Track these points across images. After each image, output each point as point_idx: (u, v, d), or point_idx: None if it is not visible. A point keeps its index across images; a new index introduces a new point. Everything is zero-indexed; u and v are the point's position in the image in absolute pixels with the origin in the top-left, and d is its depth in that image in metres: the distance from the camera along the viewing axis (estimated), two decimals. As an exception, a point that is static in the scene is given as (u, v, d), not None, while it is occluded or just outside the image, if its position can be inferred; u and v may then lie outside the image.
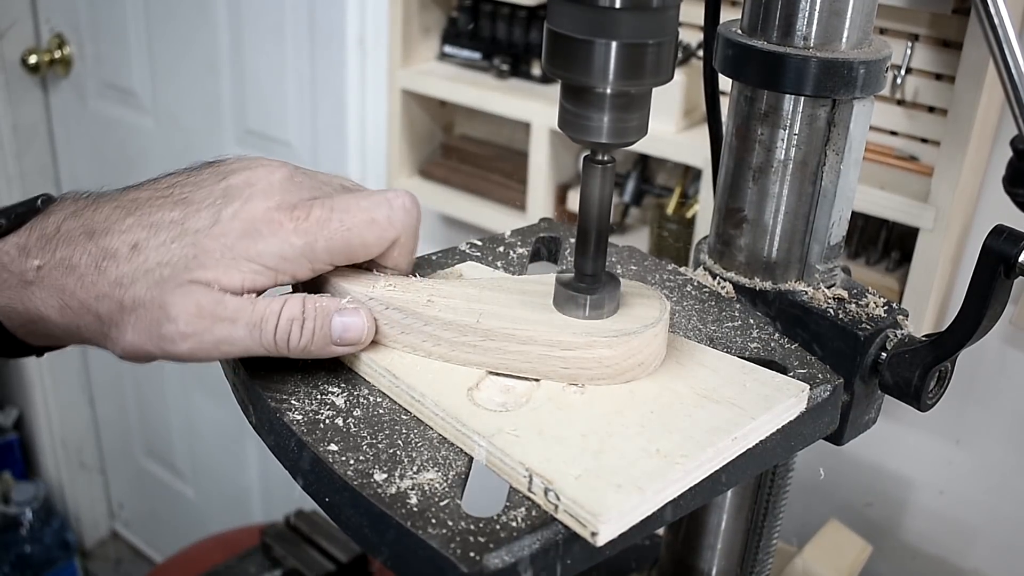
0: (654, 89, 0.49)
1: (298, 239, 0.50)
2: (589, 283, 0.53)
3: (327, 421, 0.50)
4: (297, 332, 0.50)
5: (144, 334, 0.50)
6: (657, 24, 0.46)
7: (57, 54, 2.04)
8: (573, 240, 0.68)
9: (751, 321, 0.62)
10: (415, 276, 0.56)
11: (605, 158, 0.51)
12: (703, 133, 0.76)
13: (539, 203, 1.29)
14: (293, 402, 0.51)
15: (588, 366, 0.51)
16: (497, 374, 0.52)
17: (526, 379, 0.52)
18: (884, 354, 0.59)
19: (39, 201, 0.53)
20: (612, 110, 0.48)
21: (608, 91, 0.47)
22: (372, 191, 0.53)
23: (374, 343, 0.54)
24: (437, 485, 0.45)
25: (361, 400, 0.52)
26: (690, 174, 1.22)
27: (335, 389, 0.52)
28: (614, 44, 0.46)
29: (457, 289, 0.55)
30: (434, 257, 0.65)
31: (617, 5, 0.45)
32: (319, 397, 0.52)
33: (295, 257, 0.50)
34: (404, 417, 0.51)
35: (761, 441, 0.51)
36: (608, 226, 0.53)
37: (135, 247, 0.50)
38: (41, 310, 0.51)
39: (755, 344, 0.60)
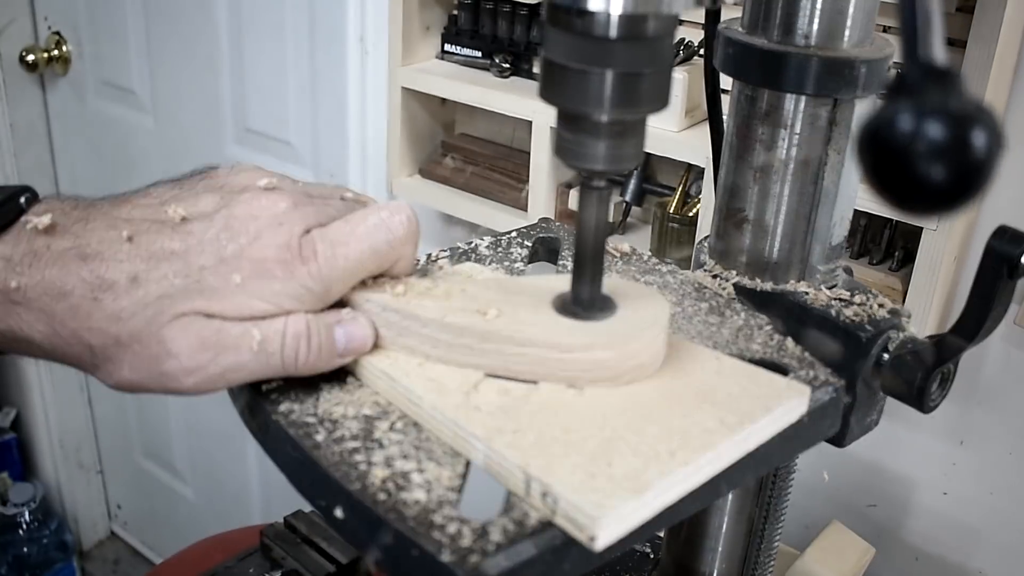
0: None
1: (315, 284, 0.49)
2: (586, 307, 0.53)
3: (323, 423, 0.49)
4: (305, 349, 0.49)
5: (144, 371, 0.48)
6: (652, 53, 0.46)
7: (55, 52, 2.04)
8: (572, 239, 0.67)
9: (752, 322, 0.62)
10: (412, 277, 0.56)
11: (601, 184, 0.51)
12: (706, 132, 0.75)
13: (540, 202, 1.29)
14: (289, 404, 0.50)
15: (587, 368, 0.50)
16: (495, 376, 0.52)
17: (524, 381, 0.51)
18: (886, 356, 0.58)
19: (22, 199, 0.50)
20: (608, 137, 0.48)
21: (604, 119, 0.47)
22: (366, 212, 0.52)
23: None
24: (434, 488, 0.45)
25: (358, 402, 0.51)
26: (692, 173, 1.21)
27: (332, 391, 0.52)
28: (609, 73, 0.45)
29: (455, 290, 0.55)
30: (437, 256, 0.65)
31: (612, 35, 0.44)
32: (315, 399, 0.51)
33: (311, 300, 0.50)
34: (401, 419, 0.50)
35: (762, 444, 0.50)
36: (604, 250, 0.53)
37: (134, 279, 0.47)
38: (26, 332, 0.48)
39: (756, 346, 0.59)
